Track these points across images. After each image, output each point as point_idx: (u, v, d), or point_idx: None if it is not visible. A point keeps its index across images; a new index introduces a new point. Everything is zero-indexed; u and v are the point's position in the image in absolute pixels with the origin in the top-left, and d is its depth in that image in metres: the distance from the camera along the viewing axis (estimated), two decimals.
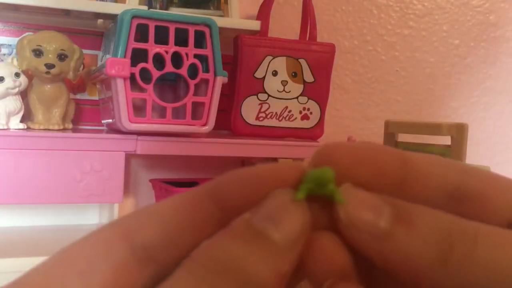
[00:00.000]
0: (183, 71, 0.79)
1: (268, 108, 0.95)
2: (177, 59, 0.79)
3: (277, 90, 0.95)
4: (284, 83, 0.95)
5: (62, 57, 0.80)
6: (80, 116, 0.94)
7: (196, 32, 0.79)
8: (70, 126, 0.87)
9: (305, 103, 0.97)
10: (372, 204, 0.15)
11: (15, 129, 0.79)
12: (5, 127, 0.78)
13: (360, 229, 0.15)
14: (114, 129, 0.84)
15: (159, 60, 0.78)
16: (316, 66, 0.97)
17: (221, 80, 0.80)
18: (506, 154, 1.30)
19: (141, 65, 0.76)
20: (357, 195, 0.15)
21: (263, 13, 0.97)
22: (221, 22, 0.84)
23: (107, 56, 0.81)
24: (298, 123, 0.98)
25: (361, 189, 0.15)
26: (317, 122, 0.99)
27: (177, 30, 0.78)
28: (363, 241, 0.15)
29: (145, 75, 0.77)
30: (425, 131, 0.86)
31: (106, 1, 0.87)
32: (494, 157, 1.27)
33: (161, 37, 0.77)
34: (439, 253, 0.14)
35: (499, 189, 0.16)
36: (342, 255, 0.15)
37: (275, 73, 0.95)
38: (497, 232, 0.14)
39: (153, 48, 0.76)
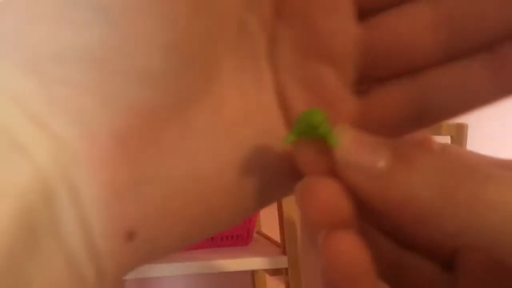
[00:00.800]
0: None
1: None
2: None
3: None
4: None
5: None
6: None
7: None
8: None
9: None
10: (370, 143, 0.14)
11: None
12: None
13: (358, 170, 0.14)
14: None
15: None
16: None
17: None
18: (506, 154, 1.30)
19: None
20: (353, 135, 0.14)
21: None
22: None
23: None
24: None
25: (358, 129, 0.14)
26: None
27: None
28: (362, 183, 0.14)
29: None
30: (425, 131, 0.86)
31: None
32: (494, 154, 1.27)
33: None
34: (445, 191, 0.13)
35: None
36: (341, 201, 0.14)
37: None
38: (508, 175, 0.13)
39: None
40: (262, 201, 0.16)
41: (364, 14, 0.16)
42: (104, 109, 0.13)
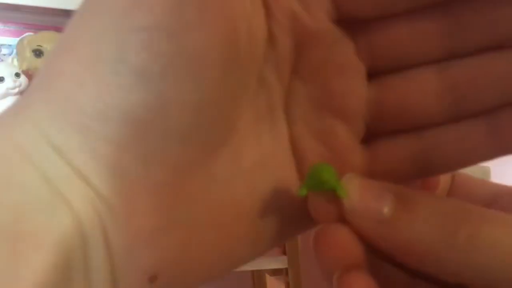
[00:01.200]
0: None
1: None
2: None
3: None
4: None
5: None
6: None
7: None
8: None
9: None
10: (375, 191, 0.15)
11: None
12: None
13: (364, 217, 0.15)
14: None
15: None
16: None
17: None
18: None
19: None
20: (359, 184, 0.15)
21: None
22: None
23: None
24: None
25: (363, 177, 0.16)
26: None
27: None
28: (369, 229, 0.15)
29: None
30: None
31: None
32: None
33: None
34: (444, 236, 0.14)
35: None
36: (353, 246, 0.15)
37: None
38: (500, 215, 0.14)
39: None
40: (276, 241, 0.18)
41: (374, 74, 0.18)
42: (141, 166, 0.14)
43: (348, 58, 0.17)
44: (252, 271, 1.18)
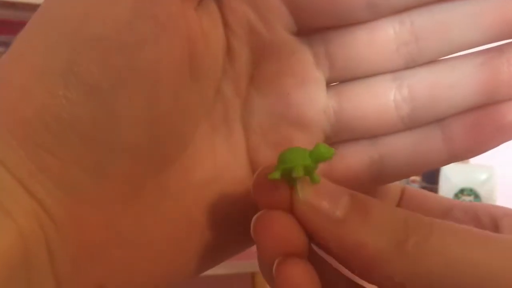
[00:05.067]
0: None
1: None
2: None
3: None
4: None
5: None
6: None
7: None
8: None
9: None
10: (331, 191, 0.15)
11: None
12: None
13: (317, 214, 0.15)
14: None
15: None
16: None
17: None
18: (507, 153, 1.29)
19: None
20: (318, 181, 0.15)
21: None
22: None
23: None
24: None
25: (323, 177, 0.16)
26: None
27: None
28: (320, 226, 0.15)
29: None
30: None
31: None
32: (496, 157, 1.26)
33: None
34: (394, 242, 0.14)
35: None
36: (296, 235, 0.15)
37: None
38: (450, 224, 0.15)
39: None
40: (228, 254, 0.18)
41: (334, 83, 0.18)
42: (89, 179, 0.14)
43: (307, 69, 0.18)
44: (252, 273, 1.18)
